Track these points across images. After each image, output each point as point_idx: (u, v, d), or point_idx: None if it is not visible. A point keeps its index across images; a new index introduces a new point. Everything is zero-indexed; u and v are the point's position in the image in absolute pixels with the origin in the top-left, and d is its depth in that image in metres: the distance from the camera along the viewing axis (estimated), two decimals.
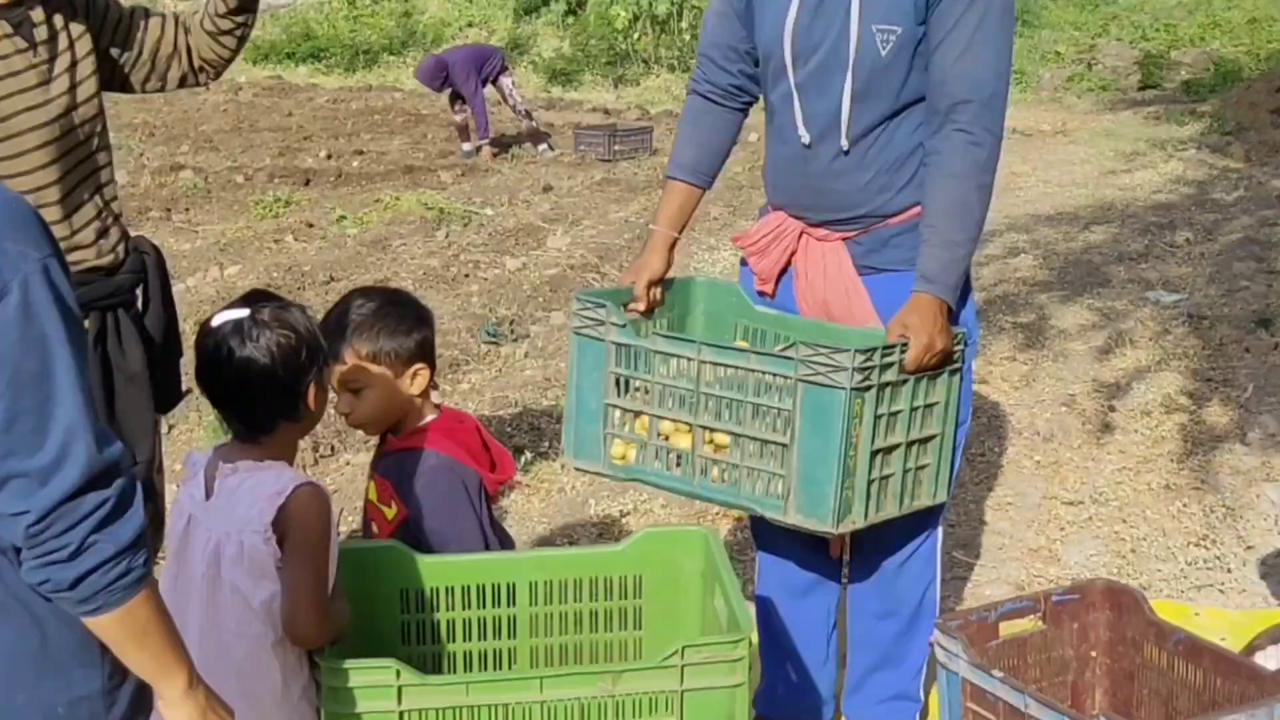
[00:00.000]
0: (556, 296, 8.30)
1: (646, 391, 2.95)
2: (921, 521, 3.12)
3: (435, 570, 2.61)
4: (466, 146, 13.50)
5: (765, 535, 3.33)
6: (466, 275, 8.80)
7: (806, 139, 2.96)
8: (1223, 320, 6.84)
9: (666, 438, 2.95)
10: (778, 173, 3.11)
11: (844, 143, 2.93)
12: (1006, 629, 3.25)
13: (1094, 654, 3.41)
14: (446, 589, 2.60)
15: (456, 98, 13.38)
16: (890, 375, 2.78)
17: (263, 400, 2.33)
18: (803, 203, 3.06)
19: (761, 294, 3.18)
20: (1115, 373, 6.25)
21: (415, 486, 2.78)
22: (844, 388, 2.69)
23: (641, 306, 3.12)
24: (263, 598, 2.28)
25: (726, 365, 2.84)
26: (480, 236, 9.83)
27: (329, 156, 13.22)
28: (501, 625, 2.64)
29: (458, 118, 13.55)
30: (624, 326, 2.95)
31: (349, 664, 2.18)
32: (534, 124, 13.81)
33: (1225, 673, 3.07)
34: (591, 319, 2.99)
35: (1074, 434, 5.54)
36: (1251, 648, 3.34)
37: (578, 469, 3.11)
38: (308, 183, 11.68)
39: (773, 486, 2.82)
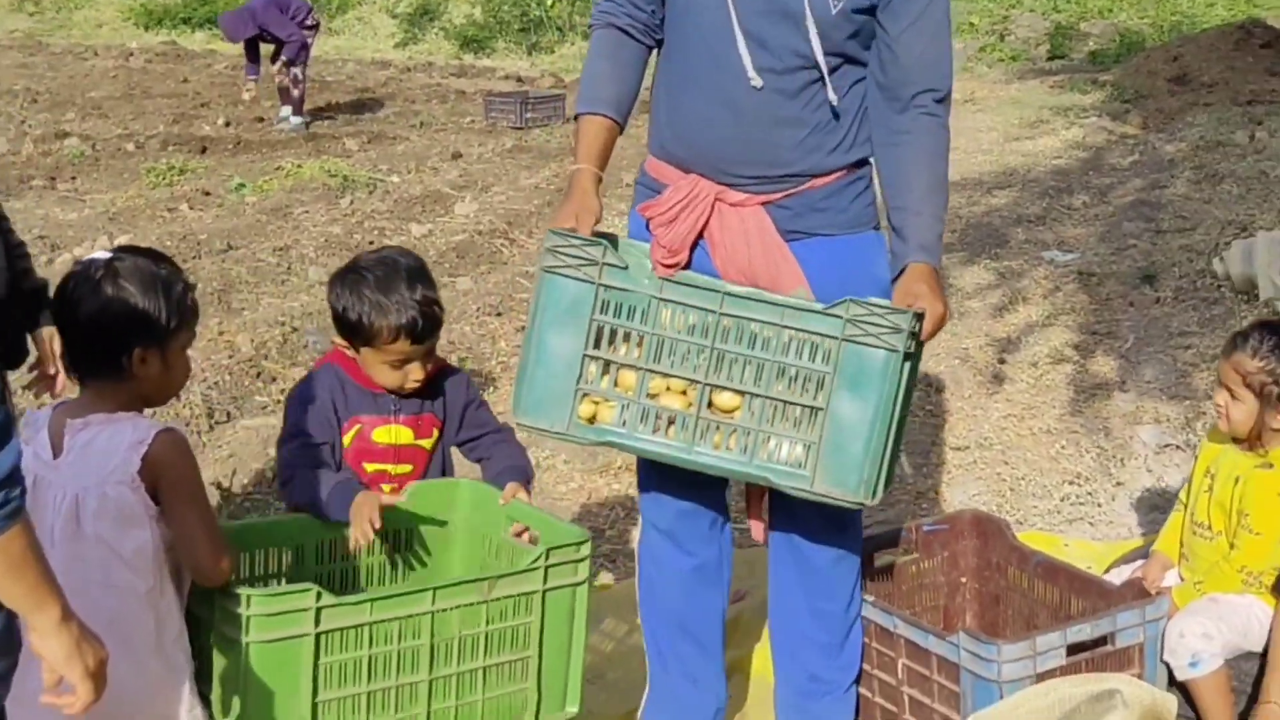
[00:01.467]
0: (463, 263, 8.50)
1: (639, 343, 2.76)
2: (852, 517, 3.14)
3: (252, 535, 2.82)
4: (286, 112, 13.22)
5: (661, 514, 3.17)
6: (371, 242, 8.93)
7: (758, 83, 2.84)
8: (1111, 277, 7.23)
9: (654, 397, 2.77)
10: (695, 126, 2.95)
11: (793, 89, 2.88)
12: (880, 559, 3.55)
13: (964, 580, 3.73)
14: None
15: (279, 58, 13.08)
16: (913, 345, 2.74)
17: (85, 348, 2.39)
18: (729, 156, 2.92)
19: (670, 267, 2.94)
20: (1008, 328, 6.60)
21: (454, 397, 3.08)
22: (897, 350, 2.63)
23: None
24: (132, 547, 2.32)
25: (756, 320, 2.71)
26: (386, 204, 9.98)
27: (227, 124, 13.24)
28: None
29: (282, 78, 13.16)
30: (624, 269, 2.73)
31: (272, 591, 2.44)
32: (295, 88, 13.22)
33: (1079, 590, 3.40)
34: (578, 258, 2.72)
35: (965, 385, 5.88)
36: (1108, 571, 3.65)
37: (530, 428, 2.82)
38: (204, 150, 11.71)
39: (794, 453, 2.72)
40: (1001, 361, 6.16)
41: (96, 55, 18.23)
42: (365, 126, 13.38)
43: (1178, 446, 5.01)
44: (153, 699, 2.35)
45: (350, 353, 3.00)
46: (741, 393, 2.73)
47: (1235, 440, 3.31)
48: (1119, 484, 4.81)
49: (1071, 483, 4.87)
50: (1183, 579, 3.37)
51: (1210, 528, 3.32)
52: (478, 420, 3.13)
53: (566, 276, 2.73)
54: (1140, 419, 5.34)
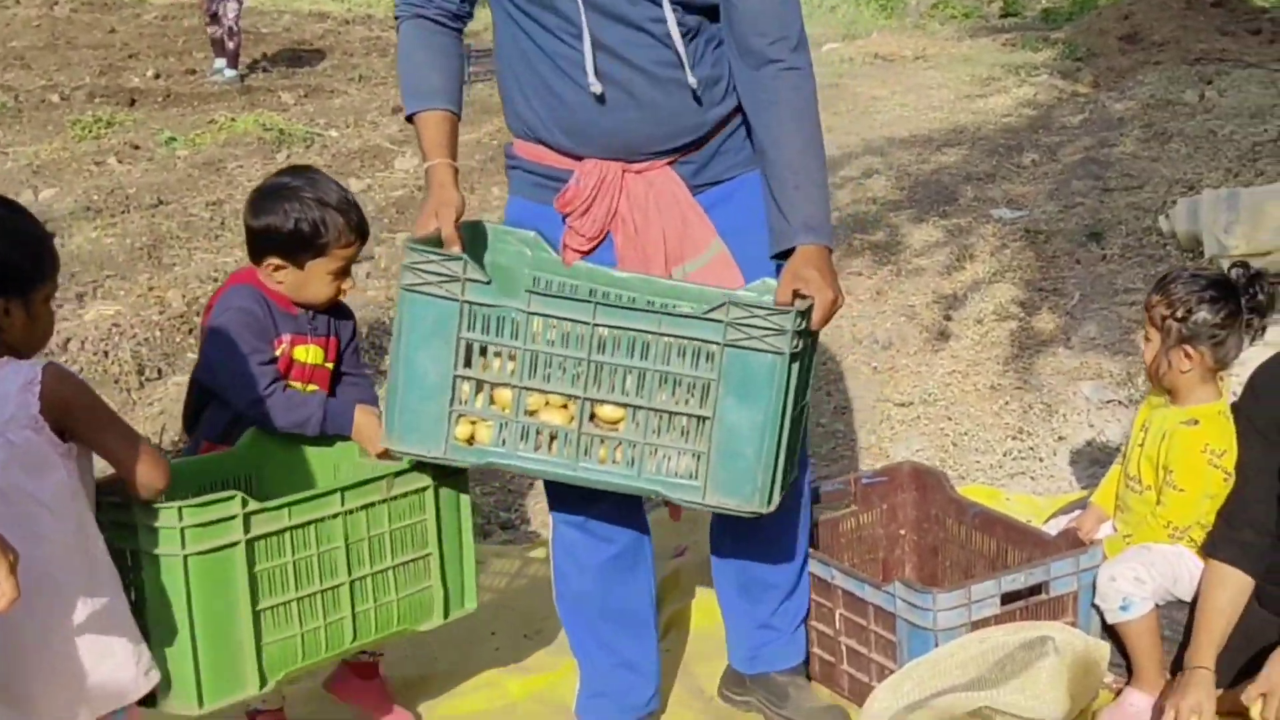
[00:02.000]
0: (403, 219, 8.48)
1: (511, 358, 2.66)
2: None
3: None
4: (220, 64, 13.04)
5: (569, 505, 3.09)
6: None
7: (638, 61, 2.82)
8: (1058, 235, 7.31)
9: (533, 413, 2.69)
10: (583, 115, 2.86)
11: (671, 60, 2.84)
12: (819, 512, 3.59)
13: (902, 532, 3.79)
14: None
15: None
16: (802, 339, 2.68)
17: None
18: (626, 140, 2.89)
19: (584, 254, 2.97)
20: (954, 285, 6.67)
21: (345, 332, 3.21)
22: (782, 352, 2.57)
23: (457, 250, 2.73)
24: (50, 492, 2.31)
25: (630, 329, 2.61)
26: (323, 159, 9.93)
27: (157, 76, 13.08)
28: None
29: (215, 30, 12.96)
30: (488, 284, 2.61)
31: (200, 500, 2.53)
32: (230, 40, 13.03)
33: (1015, 541, 3.47)
34: (438, 274, 2.61)
35: (911, 342, 5.94)
36: (1046, 523, 3.72)
37: (401, 453, 2.75)
38: (133, 103, 11.59)
39: (683, 464, 2.66)
40: (947, 318, 6.22)
41: (18, 3, 17.88)
42: (302, 80, 13.28)
43: (1119, 402, 5.09)
44: (97, 640, 2.36)
45: (276, 275, 3.04)
46: (624, 405, 2.65)
47: (1168, 393, 3.37)
48: (1061, 439, 4.89)
49: (1014, 438, 4.94)
50: (1116, 530, 3.44)
51: (1140, 481, 3.38)
52: (353, 361, 3.24)
53: (429, 295, 2.62)
54: (1083, 375, 5.42)
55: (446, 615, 2.97)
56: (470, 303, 2.62)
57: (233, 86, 12.66)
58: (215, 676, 2.58)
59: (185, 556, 2.50)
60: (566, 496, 3.02)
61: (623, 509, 3.05)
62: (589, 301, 2.61)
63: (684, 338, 2.59)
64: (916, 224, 7.85)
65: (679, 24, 2.79)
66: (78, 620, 2.32)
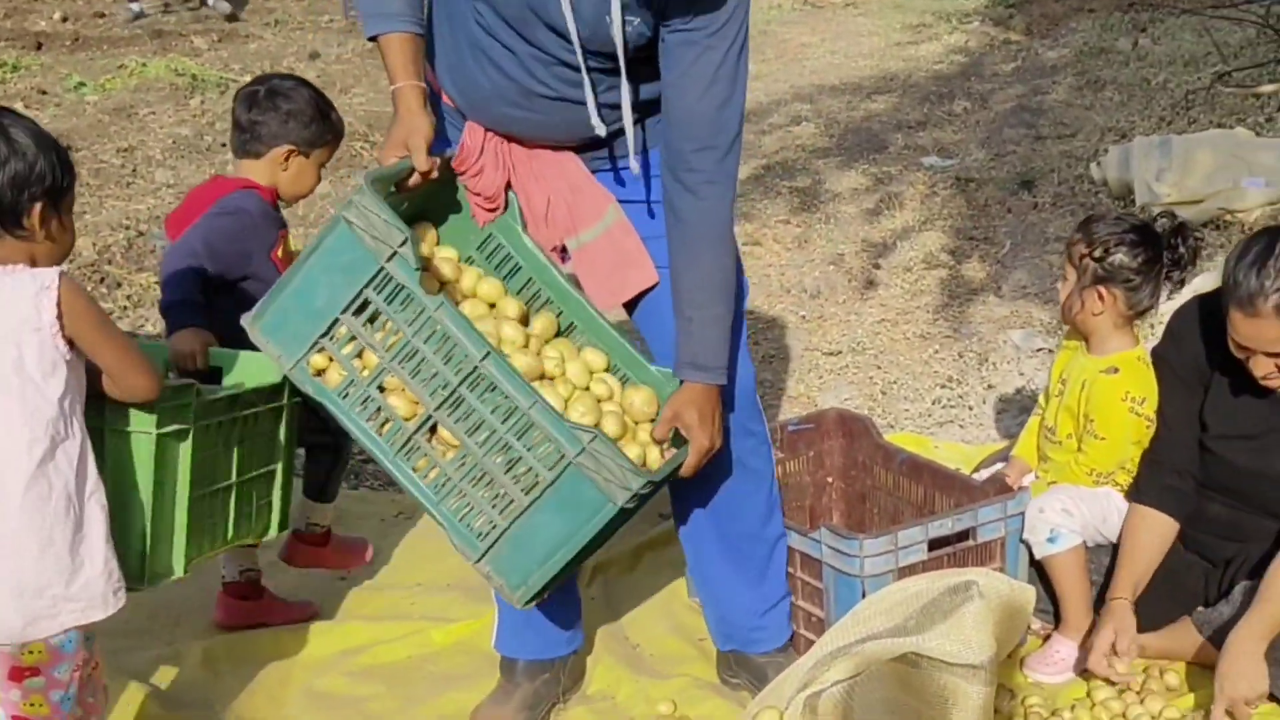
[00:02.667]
0: (326, 169, 8.37)
1: (395, 335, 2.65)
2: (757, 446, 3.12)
3: None
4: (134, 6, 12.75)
5: None
6: (223, 145, 8.78)
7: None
8: (989, 182, 7.35)
9: (384, 391, 2.70)
10: (484, 98, 2.82)
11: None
12: None
13: (830, 479, 3.82)
14: None
15: None
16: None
17: None
18: (531, 130, 2.85)
19: (490, 212, 2.93)
20: (883, 233, 6.70)
21: None
22: (615, 504, 2.58)
23: (425, 169, 2.65)
24: (59, 391, 2.43)
25: (505, 390, 2.60)
26: None
27: (64, 19, 12.81)
28: None
29: None
30: (417, 270, 2.56)
31: (172, 384, 2.74)
32: None
33: (943, 487, 3.51)
34: (376, 237, 2.54)
35: (839, 290, 5.97)
36: (975, 471, 3.76)
37: (256, 342, 2.74)
38: (39, 47, 11.34)
39: (480, 522, 2.70)
40: (876, 266, 6.25)
41: None
42: (215, 25, 13.04)
43: (1049, 350, 5.14)
44: (81, 544, 2.48)
45: (287, 163, 3.39)
46: (462, 444, 2.66)
47: (1083, 338, 3.40)
48: (990, 387, 4.94)
49: (943, 386, 4.98)
50: (1038, 477, 3.48)
51: (1057, 431, 3.42)
52: None
53: (357, 236, 2.55)
54: (1013, 323, 5.47)
55: (281, 529, 3.21)
56: (389, 273, 2.58)
57: (133, 25, 12.42)
58: (155, 557, 2.76)
59: (156, 435, 2.67)
60: None
61: None
62: (487, 347, 2.59)
63: (546, 428, 2.59)
64: (845, 171, 7.86)
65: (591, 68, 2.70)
66: (68, 523, 2.45)
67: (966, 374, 5.06)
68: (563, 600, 3.18)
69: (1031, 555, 3.31)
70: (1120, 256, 3.28)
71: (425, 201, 2.83)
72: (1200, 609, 3.27)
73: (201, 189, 3.53)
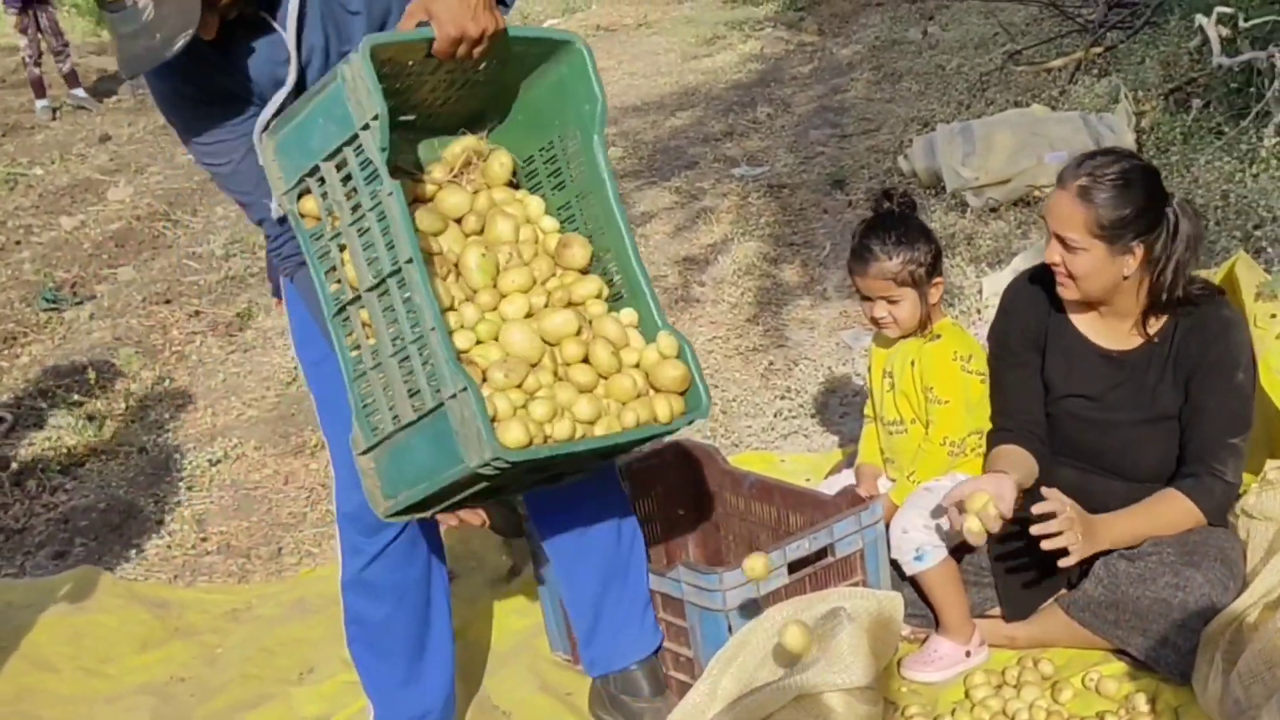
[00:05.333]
0: (123, 252, 8.12)
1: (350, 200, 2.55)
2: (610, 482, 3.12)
3: None
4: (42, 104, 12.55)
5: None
6: (18, 242, 8.47)
7: None
8: (802, 186, 7.36)
9: (341, 249, 2.61)
10: None
11: None
12: None
13: (681, 512, 3.72)
14: None
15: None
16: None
17: None
18: None
19: None
20: (702, 249, 6.65)
21: None
22: (467, 464, 2.48)
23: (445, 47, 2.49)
24: None
25: (415, 305, 2.50)
26: (30, 199, 9.45)
27: None
28: None
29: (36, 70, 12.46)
30: (383, 150, 2.44)
31: None
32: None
33: (794, 505, 3.43)
34: (359, 102, 2.43)
35: (666, 312, 5.86)
36: (826, 479, 3.70)
37: (265, 159, 2.61)
38: None
39: (375, 419, 2.62)
40: (699, 284, 6.19)
41: None
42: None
43: None
44: None
45: None
46: (376, 335, 2.59)
47: (905, 336, 3.37)
48: (830, 391, 4.88)
49: (782, 397, 4.91)
50: (893, 481, 3.42)
51: (902, 421, 3.38)
52: None
53: (346, 92, 2.44)
54: (843, 324, 5.45)
55: None
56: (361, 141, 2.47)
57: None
58: None
59: None
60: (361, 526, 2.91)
61: (415, 545, 2.97)
62: (411, 252, 2.46)
63: (436, 354, 2.49)
64: (656, 191, 7.82)
65: None
66: None
67: (804, 382, 5.00)
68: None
69: (902, 572, 3.26)
70: (933, 241, 3.32)
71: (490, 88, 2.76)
72: (1064, 591, 3.25)
73: None
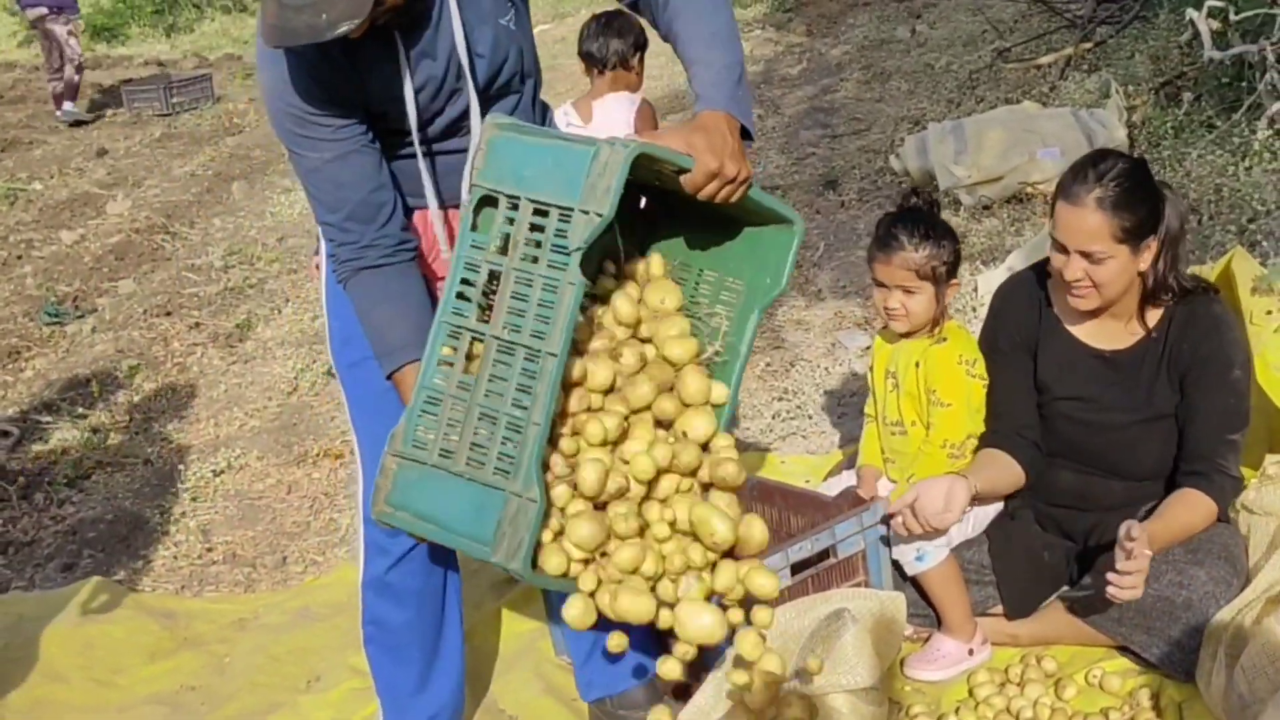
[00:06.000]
0: (123, 265, 8.11)
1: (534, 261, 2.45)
2: None
3: None
4: (68, 106, 12.88)
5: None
6: (19, 257, 8.45)
7: None
8: (794, 188, 7.35)
9: (490, 279, 2.52)
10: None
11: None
12: None
13: None
14: None
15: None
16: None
17: None
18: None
19: None
20: None
21: None
22: (488, 555, 2.44)
23: (699, 186, 2.44)
24: None
25: (534, 393, 2.43)
26: (30, 214, 9.44)
27: None
28: None
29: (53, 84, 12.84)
30: (579, 251, 2.36)
31: None
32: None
33: (795, 507, 3.42)
34: (592, 187, 2.35)
35: None
36: (826, 480, 3.69)
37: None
38: None
39: (425, 437, 2.55)
40: None
41: None
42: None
43: None
44: None
45: None
46: (477, 375, 2.50)
47: (911, 334, 3.36)
48: (826, 392, 4.87)
49: (780, 399, 4.90)
50: (894, 483, 3.41)
51: (903, 422, 3.37)
52: None
53: (588, 168, 2.34)
54: (839, 324, 5.44)
55: None
56: (572, 218, 2.38)
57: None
58: None
59: None
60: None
61: (438, 550, 2.93)
62: (559, 349, 2.39)
63: (522, 445, 2.43)
64: None
65: None
66: None
67: (801, 383, 4.99)
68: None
69: (903, 571, 3.25)
70: (957, 242, 3.32)
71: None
72: (1066, 588, 3.24)
73: None
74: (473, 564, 4.02)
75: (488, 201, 2.48)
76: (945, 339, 3.31)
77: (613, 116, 4.88)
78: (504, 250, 2.46)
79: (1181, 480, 3.08)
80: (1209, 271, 3.46)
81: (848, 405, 4.71)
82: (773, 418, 4.77)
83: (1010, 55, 8.65)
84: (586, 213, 2.34)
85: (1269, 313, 3.33)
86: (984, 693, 3.06)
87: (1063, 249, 3.04)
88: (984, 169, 6.25)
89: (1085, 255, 3.00)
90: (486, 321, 2.49)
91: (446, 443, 2.51)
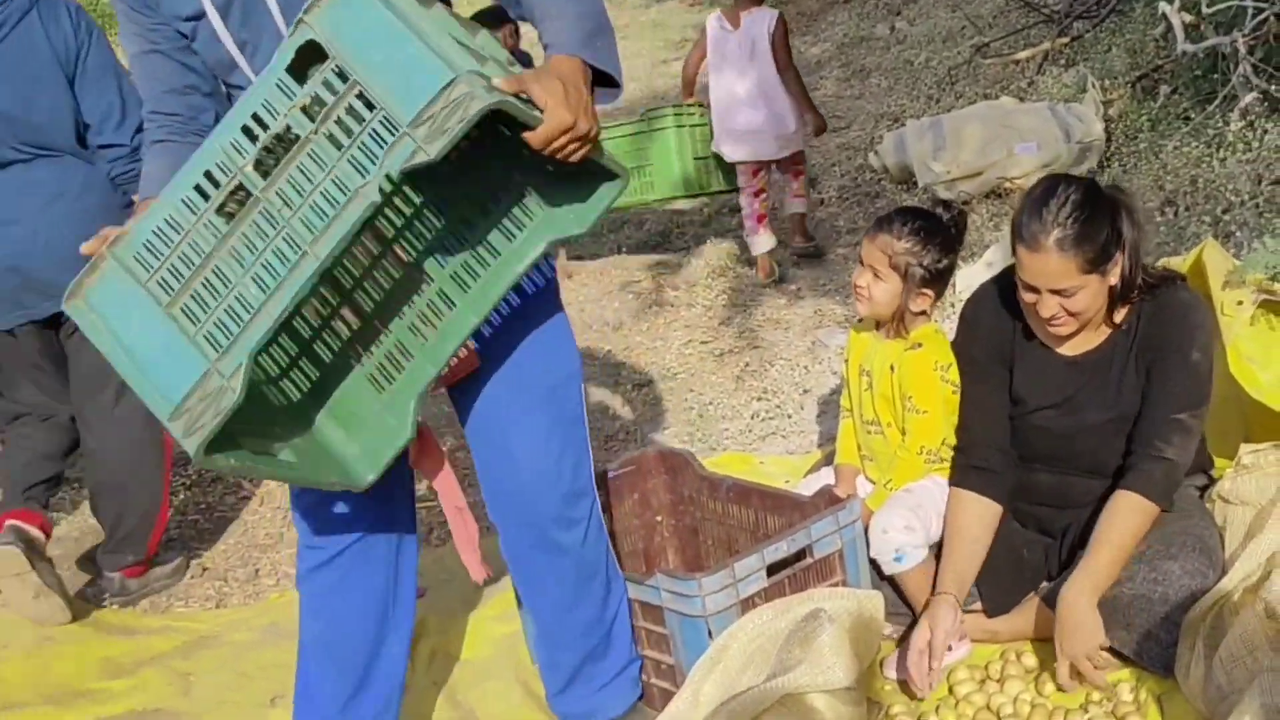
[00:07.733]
0: None
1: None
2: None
3: None
4: None
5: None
6: None
7: None
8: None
9: None
10: None
11: None
12: None
13: (659, 518, 3.71)
14: None
15: None
16: None
17: None
18: None
19: None
20: (674, 253, 6.66)
21: None
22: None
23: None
24: None
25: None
26: None
27: None
28: None
29: None
30: (393, 178, 2.19)
31: None
32: None
33: (772, 507, 3.42)
34: (433, 117, 2.16)
35: (642, 318, 5.88)
36: (804, 479, 3.69)
37: None
38: None
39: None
40: (672, 287, 6.20)
41: None
42: None
43: None
44: None
45: None
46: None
47: (877, 327, 3.38)
48: (806, 391, 4.88)
49: (759, 399, 4.91)
50: (872, 482, 3.42)
51: (879, 422, 3.38)
52: None
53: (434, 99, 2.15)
54: (818, 323, 5.45)
55: None
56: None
57: None
58: None
59: None
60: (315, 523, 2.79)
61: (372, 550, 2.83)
62: None
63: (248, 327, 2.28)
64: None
65: None
66: None
67: (779, 383, 5.00)
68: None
69: (881, 571, 3.26)
70: (947, 261, 3.32)
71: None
72: (1045, 584, 3.25)
73: None
74: (442, 575, 4.03)
75: (314, 50, 2.23)
76: (920, 345, 3.31)
77: (757, 24, 6.36)
78: (310, 114, 2.25)
79: (1119, 477, 3.08)
80: (1180, 263, 3.47)
81: (826, 404, 4.72)
82: (751, 418, 4.77)
83: (989, 51, 8.68)
84: (414, 142, 2.15)
85: (1240, 303, 3.34)
86: (964, 690, 3.06)
87: (1032, 289, 3.05)
88: (962, 164, 6.27)
89: (1056, 292, 3.01)
90: (264, 176, 2.26)
91: (171, 275, 2.29)
